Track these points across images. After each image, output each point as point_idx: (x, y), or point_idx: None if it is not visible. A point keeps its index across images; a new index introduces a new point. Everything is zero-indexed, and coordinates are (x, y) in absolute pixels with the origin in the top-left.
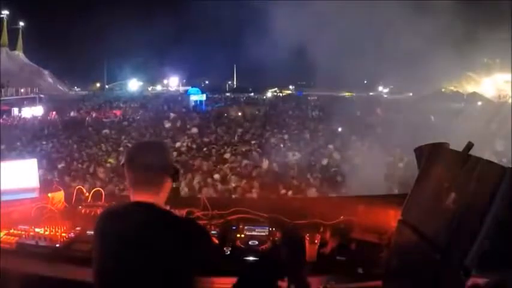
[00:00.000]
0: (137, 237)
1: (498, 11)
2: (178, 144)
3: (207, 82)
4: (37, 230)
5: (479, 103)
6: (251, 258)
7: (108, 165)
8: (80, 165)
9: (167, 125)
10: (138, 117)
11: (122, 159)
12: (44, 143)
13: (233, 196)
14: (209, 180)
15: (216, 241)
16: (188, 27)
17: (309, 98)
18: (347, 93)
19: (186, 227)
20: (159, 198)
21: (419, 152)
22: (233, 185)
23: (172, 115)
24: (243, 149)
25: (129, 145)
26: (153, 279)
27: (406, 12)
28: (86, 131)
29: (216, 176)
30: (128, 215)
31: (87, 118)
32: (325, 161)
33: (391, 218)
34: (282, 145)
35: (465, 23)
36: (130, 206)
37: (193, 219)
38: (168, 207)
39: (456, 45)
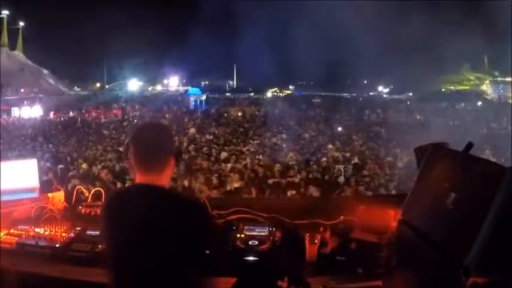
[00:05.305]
0: (143, 218)
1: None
2: (177, 144)
3: (207, 82)
4: (37, 230)
5: (479, 103)
6: (251, 258)
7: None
8: (80, 165)
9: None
10: (138, 115)
11: (127, 140)
12: (44, 143)
13: (233, 196)
14: (209, 180)
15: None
16: (188, 27)
17: (308, 98)
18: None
19: (192, 209)
20: (164, 178)
21: (420, 152)
22: (233, 184)
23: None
24: (243, 149)
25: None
26: (157, 262)
27: (405, 12)
28: (85, 131)
29: (216, 176)
30: (134, 197)
31: (87, 118)
32: (324, 161)
33: (391, 218)
34: (282, 145)
35: (466, 23)
36: (136, 187)
37: (201, 202)
38: None
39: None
